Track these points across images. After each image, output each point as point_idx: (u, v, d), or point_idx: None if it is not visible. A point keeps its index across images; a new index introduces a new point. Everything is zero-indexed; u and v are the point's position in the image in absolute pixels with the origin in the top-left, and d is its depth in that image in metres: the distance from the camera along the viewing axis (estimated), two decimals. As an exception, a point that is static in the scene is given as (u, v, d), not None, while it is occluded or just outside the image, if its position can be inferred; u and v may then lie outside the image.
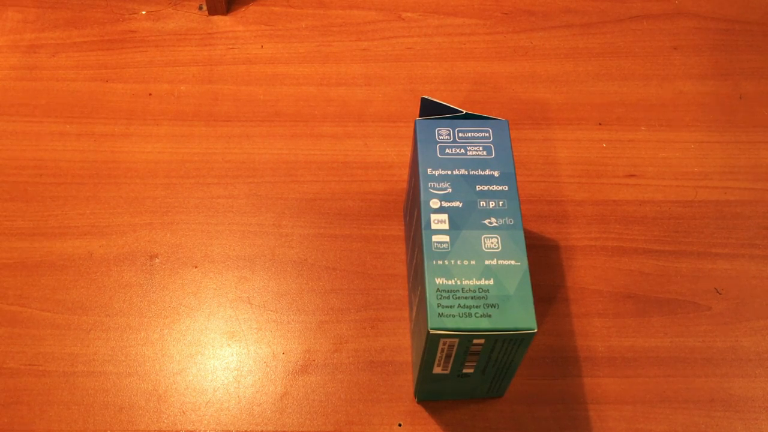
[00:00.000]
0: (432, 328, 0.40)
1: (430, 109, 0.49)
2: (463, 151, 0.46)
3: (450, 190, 0.45)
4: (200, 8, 0.70)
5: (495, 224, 0.43)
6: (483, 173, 0.45)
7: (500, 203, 0.44)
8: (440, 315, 0.40)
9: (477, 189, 0.45)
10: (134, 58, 0.66)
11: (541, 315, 0.53)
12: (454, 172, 0.45)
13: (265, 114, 0.63)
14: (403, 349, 0.51)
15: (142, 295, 0.54)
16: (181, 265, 0.55)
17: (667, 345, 0.52)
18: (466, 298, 0.41)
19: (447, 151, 0.46)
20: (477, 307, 0.40)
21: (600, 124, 0.63)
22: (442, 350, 0.42)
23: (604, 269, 0.55)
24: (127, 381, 0.50)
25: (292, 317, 0.53)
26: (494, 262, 0.42)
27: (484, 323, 0.40)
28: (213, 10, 0.69)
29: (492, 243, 0.42)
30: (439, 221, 0.43)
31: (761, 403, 0.50)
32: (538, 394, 0.50)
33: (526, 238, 0.43)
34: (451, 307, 0.40)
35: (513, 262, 0.42)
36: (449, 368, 0.44)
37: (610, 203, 0.58)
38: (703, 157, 0.61)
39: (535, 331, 0.40)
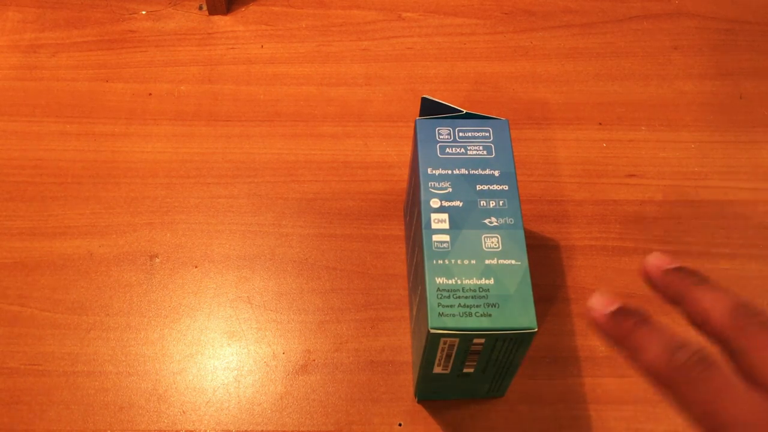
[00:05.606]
0: (432, 328, 0.40)
1: (431, 109, 0.49)
2: (463, 150, 0.46)
3: (450, 189, 0.45)
4: (200, 8, 0.70)
5: (495, 224, 0.43)
6: (483, 173, 0.45)
7: (500, 203, 0.44)
8: (440, 314, 0.40)
9: (477, 188, 0.45)
10: (134, 58, 0.66)
11: (541, 315, 0.53)
12: (455, 172, 0.45)
13: (265, 114, 0.63)
14: (404, 349, 0.51)
15: (142, 295, 0.54)
16: (181, 265, 0.55)
17: (667, 345, 0.52)
18: (466, 297, 0.41)
19: (447, 150, 0.46)
20: (477, 306, 0.40)
21: (600, 124, 0.63)
22: (443, 350, 0.42)
23: (604, 269, 0.55)
24: (127, 381, 0.50)
25: (292, 317, 0.53)
26: (494, 261, 0.42)
27: (484, 323, 0.40)
28: (213, 10, 0.69)
29: (492, 242, 0.42)
30: (439, 221, 0.43)
31: (761, 403, 0.50)
32: (538, 394, 0.50)
33: (526, 237, 0.43)
34: (451, 306, 0.40)
35: (513, 262, 0.42)
36: (449, 368, 0.44)
37: (610, 203, 0.58)
38: (703, 157, 0.61)
39: (536, 330, 0.40)
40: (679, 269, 0.34)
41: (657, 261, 0.34)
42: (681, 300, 0.33)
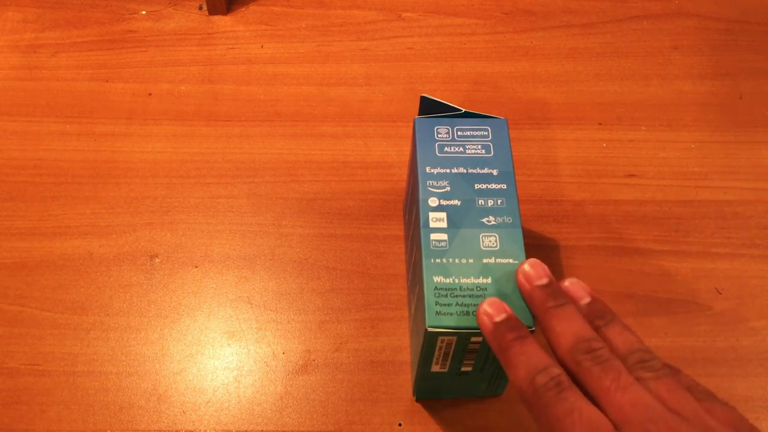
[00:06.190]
0: (430, 326, 0.40)
1: (430, 108, 0.49)
2: (461, 149, 0.46)
3: (448, 188, 0.45)
4: (200, 8, 0.70)
5: (493, 223, 0.43)
6: (482, 172, 0.45)
7: (499, 202, 0.44)
8: (438, 313, 0.40)
9: (475, 187, 0.45)
10: (134, 58, 0.66)
11: (540, 314, 0.53)
12: (453, 171, 0.45)
13: (265, 114, 0.63)
14: (404, 349, 0.51)
15: (142, 295, 0.54)
16: (181, 265, 0.55)
17: (667, 345, 0.52)
18: (464, 296, 0.41)
19: (446, 149, 0.46)
20: (475, 305, 0.40)
21: (600, 124, 0.63)
22: (440, 348, 0.42)
23: (604, 269, 0.55)
24: (127, 381, 0.50)
25: (292, 317, 0.53)
26: (492, 260, 0.42)
27: (482, 322, 0.40)
28: (213, 10, 0.69)
29: (490, 241, 0.42)
30: (437, 219, 0.43)
31: (762, 403, 0.50)
32: (537, 393, 0.50)
33: (525, 237, 0.43)
34: (449, 305, 0.40)
35: (511, 261, 0.42)
36: (447, 366, 0.44)
37: (610, 203, 0.58)
38: (703, 157, 0.61)
39: (533, 329, 0.40)
40: (546, 287, 0.38)
41: (531, 272, 0.39)
42: (539, 320, 0.38)
